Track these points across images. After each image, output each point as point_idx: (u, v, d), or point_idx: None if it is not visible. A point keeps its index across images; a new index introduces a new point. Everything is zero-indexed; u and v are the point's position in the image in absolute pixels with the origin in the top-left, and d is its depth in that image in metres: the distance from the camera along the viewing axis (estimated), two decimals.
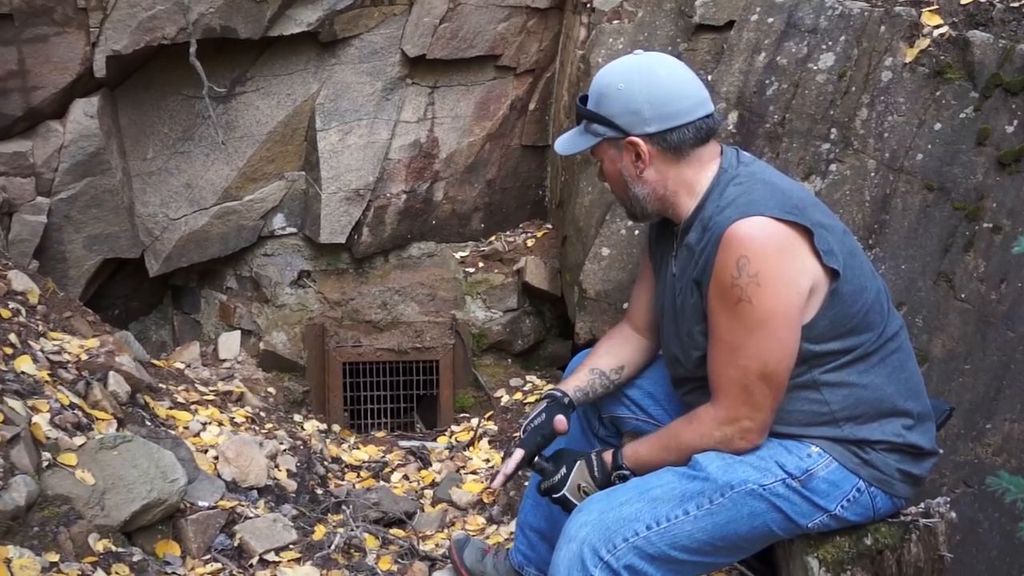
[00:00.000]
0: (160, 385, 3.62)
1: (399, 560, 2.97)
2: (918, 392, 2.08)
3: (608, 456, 2.11)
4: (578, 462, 2.12)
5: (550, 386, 2.43)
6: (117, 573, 2.49)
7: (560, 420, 2.19)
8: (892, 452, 2.01)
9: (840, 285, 1.93)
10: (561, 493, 2.11)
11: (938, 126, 3.14)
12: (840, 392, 1.98)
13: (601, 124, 2.04)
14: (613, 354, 2.34)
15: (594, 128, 2.05)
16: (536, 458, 2.17)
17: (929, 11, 3.29)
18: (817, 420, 1.99)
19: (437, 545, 3.14)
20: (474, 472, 3.78)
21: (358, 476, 3.80)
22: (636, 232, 3.75)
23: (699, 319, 1.99)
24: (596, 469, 2.10)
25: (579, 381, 2.31)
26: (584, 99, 2.09)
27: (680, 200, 2.04)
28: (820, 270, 1.92)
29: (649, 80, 1.99)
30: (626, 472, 2.07)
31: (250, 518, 2.96)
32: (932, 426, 2.10)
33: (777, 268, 1.88)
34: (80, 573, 2.41)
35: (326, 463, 3.74)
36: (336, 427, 4.36)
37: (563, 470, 2.12)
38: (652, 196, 2.05)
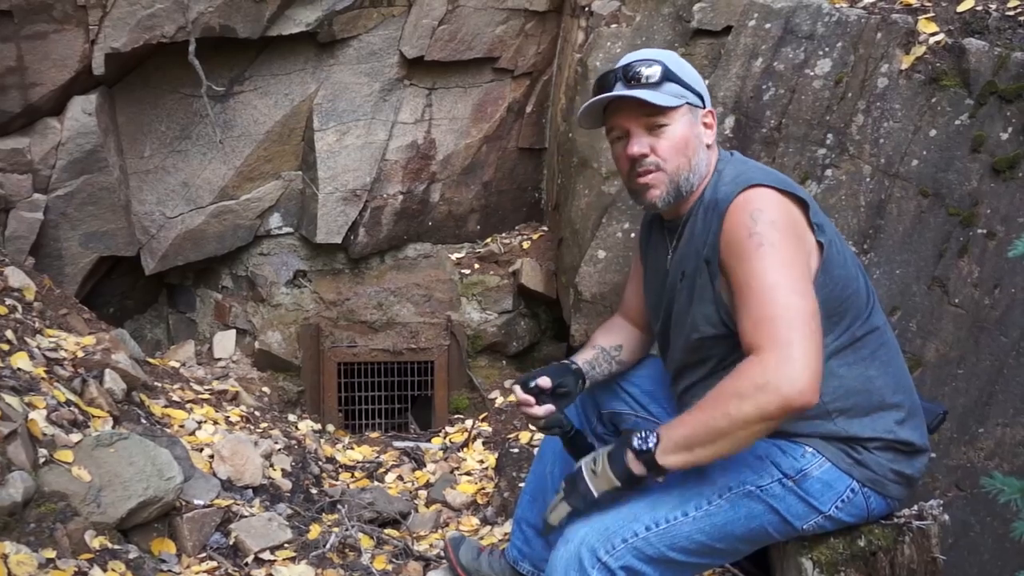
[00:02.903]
0: (155, 383, 3.62)
1: (393, 560, 2.97)
2: (907, 387, 2.10)
3: (637, 466, 1.90)
4: (613, 449, 1.97)
5: (575, 364, 2.41)
6: (113, 570, 2.49)
7: (544, 378, 2.25)
8: (885, 451, 2.02)
9: (831, 266, 1.96)
10: (578, 465, 2.02)
11: (933, 132, 3.17)
12: (831, 384, 1.98)
13: (685, 88, 2.07)
14: (611, 335, 2.40)
15: (678, 90, 2.06)
16: (563, 418, 2.21)
17: (925, 19, 3.32)
18: (809, 413, 2.00)
19: (431, 545, 3.14)
20: (468, 473, 3.79)
21: (352, 476, 3.80)
22: (632, 235, 3.77)
23: (707, 299, 1.99)
24: (619, 470, 1.92)
25: (585, 356, 2.36)
26: (628, 67, 2.06)
27: (700, 186, 2.08)
28: (814, 243, 1.96)
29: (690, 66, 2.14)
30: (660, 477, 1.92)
31: (245, 517, 2.97)
32: (922, 422, 2.11)
33: (791, 221, 1.93)
34: (76, 570, 2.41)
35: (320, 463, 3.74)
36: (331, 427, 4.36)
37: (601, 452, 1.99)
38: (702, 171, 2.07)
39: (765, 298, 1.85)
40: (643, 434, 1.89)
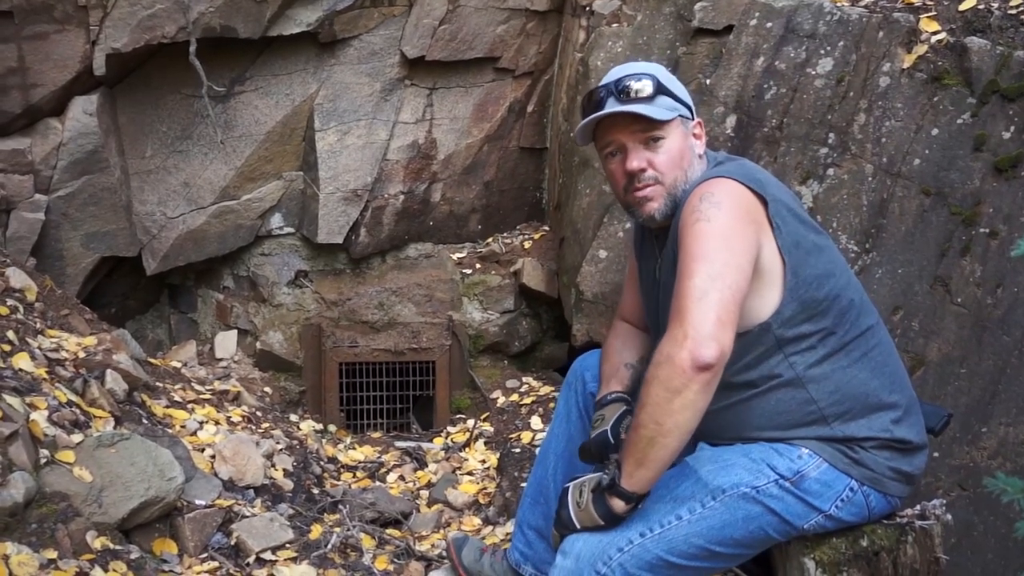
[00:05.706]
0: (157, 384, 3.62)
1: (395, 560, 2.97)
2: (903, 385, 2.10)
3: (619, 506, 1.94)
4: (597, 487, 1.98)
5: (615, 392, 2.31)
6: (114, 571, 2.49)
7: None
8: (881, 449, 2.02)
9: (799, 267, 1.96)
10: (566, 487, 2.06)
11: (935, 131, 3.16)
12: (826, 388, 1.99)
13: (676, 101, 2.09)
14: (630, 348, 2.34)
15: (671, 103, 2.08)
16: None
17: (927, 17, 3.31)
18: (807, 419, 2.01)
19: (433, 545, 3.14)
20: (470, 473, 3.78)
21: (354, 476, 3.80)
22: None
23: None
24: (602, 511, 1.95)
25: (624, 381, 2.28)
26: (619, 82, 2.06)
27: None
28: (774, 243, 1.96)
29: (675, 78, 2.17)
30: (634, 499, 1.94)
31: (247, 517, 2.96)
32: (919, 419, 2.12)
33: (741, 206, 1.94)
34: (78, 570, 2.40)
35: (322, 463, 3.74)
36: (332, 427, 4.36)
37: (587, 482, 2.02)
38: (695, 181, 2.04)
39: (684, 272, 1.88)
40: (616, 468, 1.91)
